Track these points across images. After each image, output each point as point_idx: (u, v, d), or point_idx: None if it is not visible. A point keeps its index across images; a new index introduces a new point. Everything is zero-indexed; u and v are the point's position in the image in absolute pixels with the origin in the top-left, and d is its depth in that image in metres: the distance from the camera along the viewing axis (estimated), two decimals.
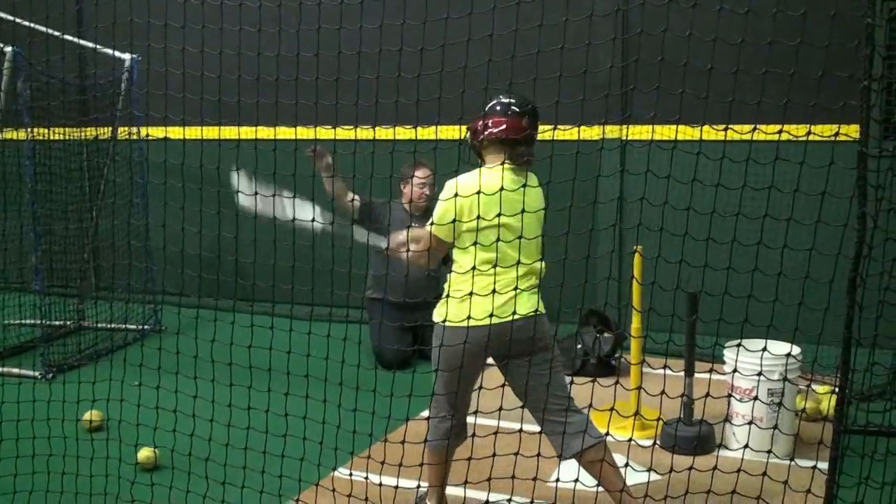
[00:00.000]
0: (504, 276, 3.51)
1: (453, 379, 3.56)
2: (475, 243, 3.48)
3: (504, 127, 3.58)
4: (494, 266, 3.49)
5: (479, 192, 3.45)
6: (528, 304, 3.55)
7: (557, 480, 4.05)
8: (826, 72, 2.95)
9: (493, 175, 3.52)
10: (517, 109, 3.58)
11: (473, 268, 3.46)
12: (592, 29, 3.37)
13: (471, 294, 3.47)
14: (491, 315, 3.45)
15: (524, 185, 3.46)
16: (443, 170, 3.49)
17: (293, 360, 3.73)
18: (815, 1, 3.03)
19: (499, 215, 3.46)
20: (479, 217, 3.48)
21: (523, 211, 3.43)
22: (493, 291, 3.45)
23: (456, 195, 3.49)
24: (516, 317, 3.49)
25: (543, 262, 3.63)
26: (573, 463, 3.69)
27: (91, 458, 4.12)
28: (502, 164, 3.53)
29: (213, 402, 3.88)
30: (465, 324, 3.46)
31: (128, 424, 4.18)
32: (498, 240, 3.46)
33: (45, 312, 6.26)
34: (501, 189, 3.43)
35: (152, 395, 3.99)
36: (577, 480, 3.57)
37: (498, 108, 3.60)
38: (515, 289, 3.51)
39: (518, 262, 3.53)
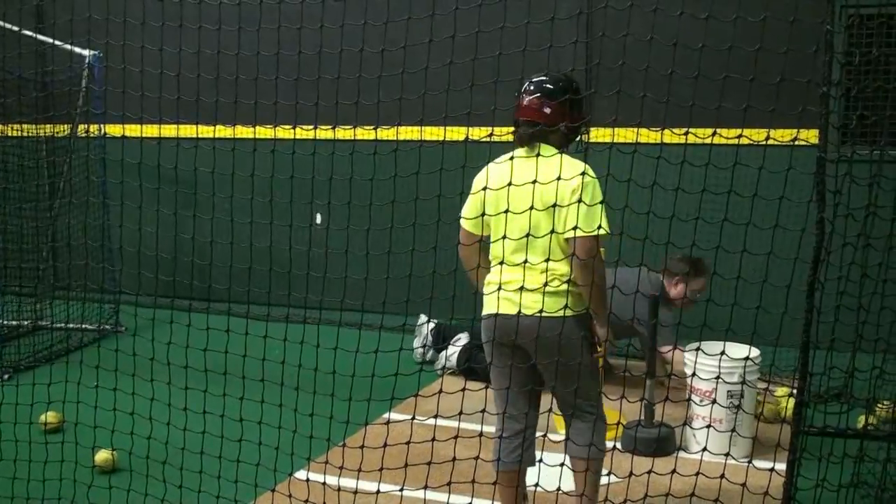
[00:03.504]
0: (497, 273, 3.49)
1: (493, 377, 3.58)
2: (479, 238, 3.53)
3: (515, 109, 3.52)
4: (501, 263, 3.49)
5: (485, 189, 3.45)
6: (510, 303, 3.43)
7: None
8: (785, 77, 2.96)
9: (501, 167, 3.48)
10: (522, 89, 3.50)
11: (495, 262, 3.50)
12: (555, 32, 3.37)
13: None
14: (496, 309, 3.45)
15: (534, 181, 3.33)
16: (404, 171, 3.46)
17: (250, 363, 3.69)
18: (774, 7, 3.05)
19: (482, 215, 3.46)
20: (483, 214, 3.49)
21: (507, 210, 3.36)
22: (499, 287, 3.44)
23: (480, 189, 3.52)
24: (500, 314, 3.44)
25: (556, 262, 3.39)
26: (534, 467, 3.68)
27: (45, 462, 4.04)
28: (511, 157, 3.49)
29: (169, 406, 3.83)
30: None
31: (85, 427, 4.12)
32: (504, 237, 3.43)
33: (1, 312, 6.15)
34: (485, 188, 3.43)
35: (110, 396, 3.93)
36: (536, 485, 3.56)
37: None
38: (499, 288, 3.45)
39: (502, 262, 3.47)
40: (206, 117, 3.82)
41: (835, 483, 3.35)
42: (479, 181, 3.55)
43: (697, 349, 4.35)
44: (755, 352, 4.45)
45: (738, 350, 4.35)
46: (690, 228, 3.17)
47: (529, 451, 3.64)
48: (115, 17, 3.79)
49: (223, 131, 3.84)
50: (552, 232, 3.34)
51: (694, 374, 4.31)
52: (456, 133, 3.67)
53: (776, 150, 3.20)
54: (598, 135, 6.12)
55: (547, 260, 3.36)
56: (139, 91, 3.82)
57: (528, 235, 3.35)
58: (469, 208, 3.60)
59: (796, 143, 3.21)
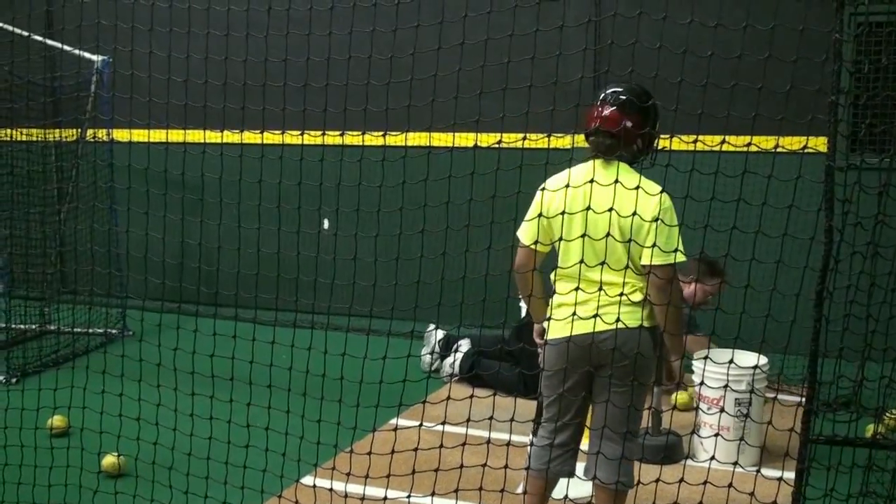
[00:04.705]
0: (565, 289, 3.40)
1: (553, 385, 3.49)
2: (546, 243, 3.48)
3: (587, 118, 3.46)
4: (567, 277, 3.40)
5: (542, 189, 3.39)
6: (582, 321, 3.34)
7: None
8: (794, 85, 2.96)
9: (575, 171, 3.43)
10: (600, 98, 3.46)
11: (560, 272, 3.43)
12: (564, 39, 3.36)
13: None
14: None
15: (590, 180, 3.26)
16: (413, 177, 3.46)
17: (257, 369, 3.68)
18: (784, 15, 3.05)
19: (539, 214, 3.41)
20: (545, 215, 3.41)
21: (564, 212, 3.31)
22: (560, 305, 3.39)
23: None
24: (575, 335, 3.37)
25: (631, 276, 3.34)
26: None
27: (51, 467, 4.04)
28: (586, 159, 3.44)
29: (176, 411, 3.83)
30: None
31: (91, 431, 4.12)
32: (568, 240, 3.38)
33: (9, 316, 6.15)
34: (568, 186, 3.34)
35: (116, 401, 3.92)
36: None
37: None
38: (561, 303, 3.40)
39: (568, 275, 3.39)
40: (213, 123, 3.83)
41: (844, 493, 3.33)
42: (553, 182, 3.47)
43: (705, 357, 4.33)
44: (763, 360, 4.44)
45: (747, 358, 4.33)
46: (699, 236, 3.16)
47: (573, 462, 3.61)
48: (123, 22, 3.79)
49: (231, 137, 3.84)
50: (627, 241, 3.29)
51: (702, 383, 4.30)
52: (464, 139, 3.66)
53: (785, 158, 3.19)
54: None
55: (612, 268, 3.30)
56: (147, 97, 3.83)
57: (584, 236, 3.30)
58: (534, 208, 3.51)
59: (805, 151, 3.20)
